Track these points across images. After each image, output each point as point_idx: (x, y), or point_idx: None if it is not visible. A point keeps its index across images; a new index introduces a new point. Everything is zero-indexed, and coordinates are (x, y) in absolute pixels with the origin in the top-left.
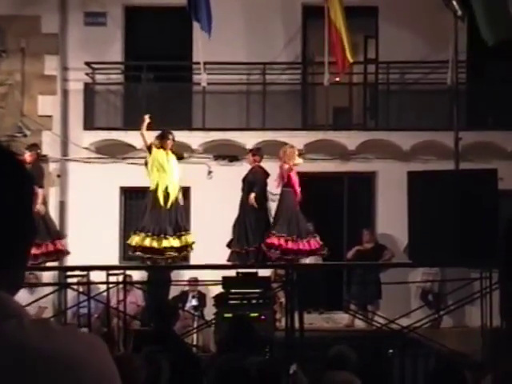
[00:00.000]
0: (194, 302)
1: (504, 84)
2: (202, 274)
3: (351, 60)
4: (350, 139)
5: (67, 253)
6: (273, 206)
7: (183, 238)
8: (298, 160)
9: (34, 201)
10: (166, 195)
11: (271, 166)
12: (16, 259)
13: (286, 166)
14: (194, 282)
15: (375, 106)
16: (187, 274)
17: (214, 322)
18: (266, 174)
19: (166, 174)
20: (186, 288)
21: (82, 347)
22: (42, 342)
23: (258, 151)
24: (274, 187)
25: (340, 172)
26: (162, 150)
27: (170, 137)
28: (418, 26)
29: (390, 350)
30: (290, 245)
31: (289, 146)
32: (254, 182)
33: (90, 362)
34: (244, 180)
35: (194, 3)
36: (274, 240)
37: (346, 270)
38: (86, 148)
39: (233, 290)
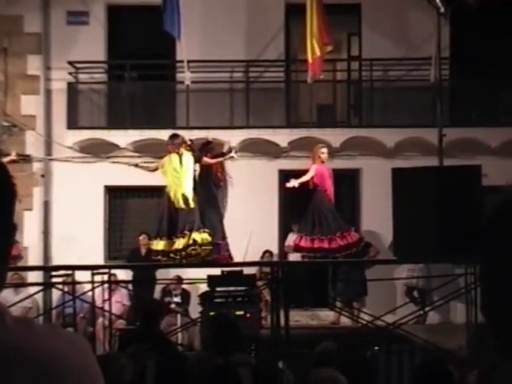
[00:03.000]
0: (176, 299)
1: (487, 80)
2: (188, 273)
3: (310, 60)
4: (334, 136)
5: (20, 257)
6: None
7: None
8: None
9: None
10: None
11: (255, 164)
12: None
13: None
14: (178, 280)
15: (359, 103)
16: (172, 273)
17: (199, 320)
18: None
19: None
20: (172, 286)
21: (65, 346)
22: (25, 341)
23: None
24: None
25: None
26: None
27: (169, 141)
28: (401, 22)
29: (376, 347)
30: (317, 244)
31: (320, 145)
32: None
33: (73, 361)
34: None
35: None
36: (301, 242)
37: (331, 268)
38: (70, 147)
39: (218, 289)
